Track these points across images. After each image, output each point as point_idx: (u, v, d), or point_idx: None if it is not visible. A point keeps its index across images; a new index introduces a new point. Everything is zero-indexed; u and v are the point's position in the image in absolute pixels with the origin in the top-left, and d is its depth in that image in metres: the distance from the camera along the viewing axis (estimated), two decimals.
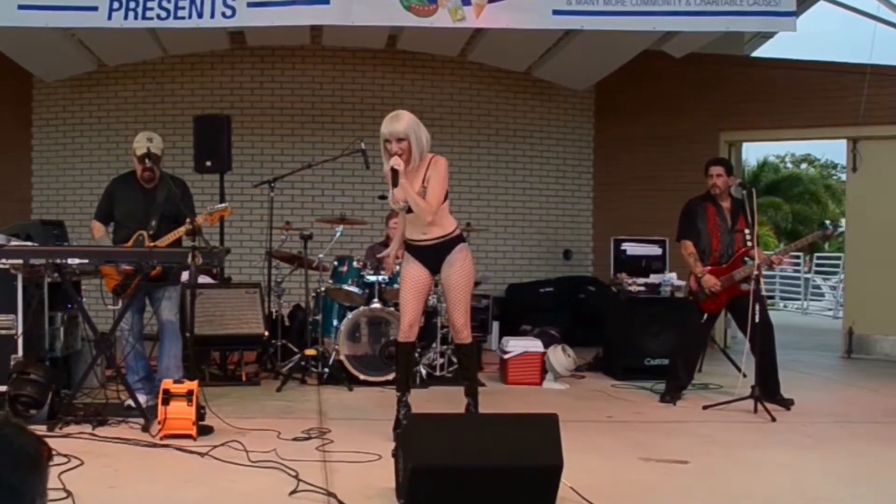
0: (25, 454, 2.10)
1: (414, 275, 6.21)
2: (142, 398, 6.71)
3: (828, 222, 8.52)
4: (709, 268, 7.83)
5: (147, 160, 7.07)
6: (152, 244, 6.84)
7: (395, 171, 5.94)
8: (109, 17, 8.64)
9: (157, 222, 6.98)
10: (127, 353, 7.04)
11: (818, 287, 23.75)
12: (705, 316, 7.95)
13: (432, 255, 6.18)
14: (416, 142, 6.04)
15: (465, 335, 6.25)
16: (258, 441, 5.82)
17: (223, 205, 7.25)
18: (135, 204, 7.16)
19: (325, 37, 11.83)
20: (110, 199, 7.32)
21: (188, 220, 6.77)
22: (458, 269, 6.15)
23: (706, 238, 7.93)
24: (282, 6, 8.86)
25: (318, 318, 8.89)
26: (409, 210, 6.11)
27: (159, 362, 7.14)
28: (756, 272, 7.39)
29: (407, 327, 6.26)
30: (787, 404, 7.59)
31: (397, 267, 6.66)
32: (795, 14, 9.35)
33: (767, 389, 7.48)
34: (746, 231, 7.71)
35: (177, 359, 7.10)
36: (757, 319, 7.33)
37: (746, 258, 7.67)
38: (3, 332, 6.69)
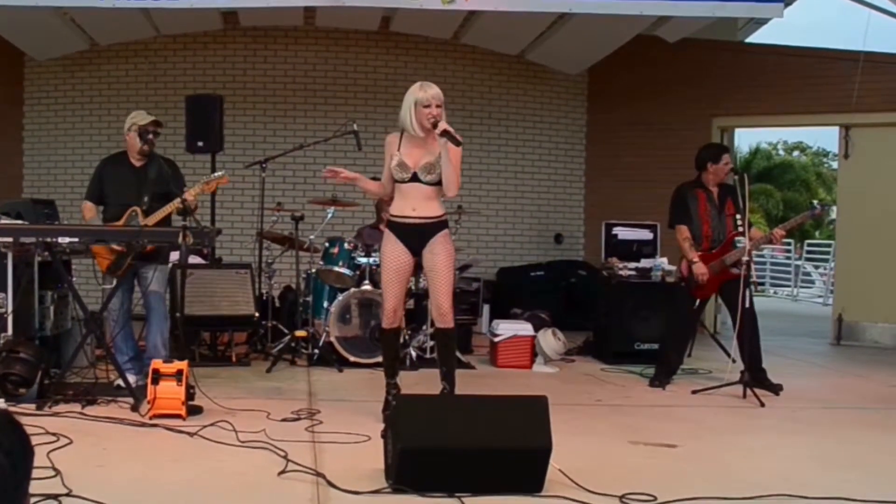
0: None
1: (396, 258, 6.15)
2: (131, 378, 6.71)
3: (815, 202, 8.57)
4: (700, 253, 7.84)
5: (155, 131, 7.06)
6: (144, 220, 6.80)
7: (447, 133, 5.90)
8: None
9: (149, 199, 6.92)
10: (115, 333, 7.03)
11: (808, 274, 23.80)
12: (697, 302, 7.97)
13: (416, 236, 6.13)
14: (444, 111, 6.08)
15: (449, 319, 6.19)
16: (247, 421, 5.82)
17: (220, 173, 7.16)
18: (125, 182, 7.09)
19: (318, 18, 11.79)
20: (100, 178, 7.27)
21: (180, 197, 6.70)
22: (444, 253, 6.11)
23: (697, 224, 7.92)
24: None
25: (309, 299, 8.89)
26: (412, 179, 6.07)
27: (147, 341, 7.12)
28: (746, 258, 7.41)
29: (391, 312, 6.22)
30: (775, 389, 7.62)
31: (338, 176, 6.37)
32: (783, 0, 9.36)
33: (754, 376, 7.51)
34: (738, 216, 7.70)
35: (164, 337, 7.08)
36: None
37: (738, 240, 7.68)
38: None
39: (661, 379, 7.96)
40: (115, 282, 6.92)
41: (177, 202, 6.66)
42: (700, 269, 7.75)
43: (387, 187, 6.30)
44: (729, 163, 8.02)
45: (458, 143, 5.94)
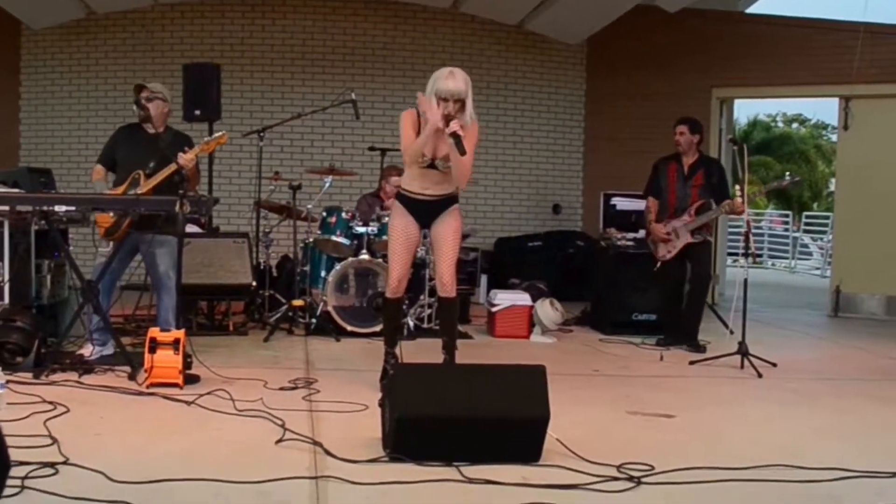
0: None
1: (405, 229, 6.16)
2: (91, 348, 6.72)
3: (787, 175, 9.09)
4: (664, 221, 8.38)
5: (145, 97, 6.98)
6: (143, 185, 6.72)
7: (457, 137, 5.77)
8: None
9: (155, 164, 6.80)
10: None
11: (806, 246, 23.82)
12: (658, 264, 8.44)
13: (427, 211, 6.15)
14: (469, 104, 5.97)
15: (452, 289, 6.19)
16: (245, 390, 5.83)
17: (218, 133, 7.02)
18: (137, 148, 6.95)
19: None
20: (113, 142, 7.19)
21: (175, 162, 6.61)
22: (452, 225, 6.14)
23: (666, 194, 8.44)
24: None
25: (306, 268, 8.87)
26: (429, 166, 6.04)
27: (157, 315, 7.06)
28: (746, 229, 7.55)
29: (396, 283, 6.22)
30: (702, 349, 8.07)
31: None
32: None
33: (685, 333, 8.24)
34: (704, 187, 8.21)
35: (170, 312, 6.93)
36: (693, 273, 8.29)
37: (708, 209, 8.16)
38: None
39: (667, 342, 8.35)
40: (110, 246, 6.84)
41: (172, 167, 6.60)
42: (657, 229, 8.35)
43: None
44: (683, 132, 8.38)
45: (462, 153, 5.80)
